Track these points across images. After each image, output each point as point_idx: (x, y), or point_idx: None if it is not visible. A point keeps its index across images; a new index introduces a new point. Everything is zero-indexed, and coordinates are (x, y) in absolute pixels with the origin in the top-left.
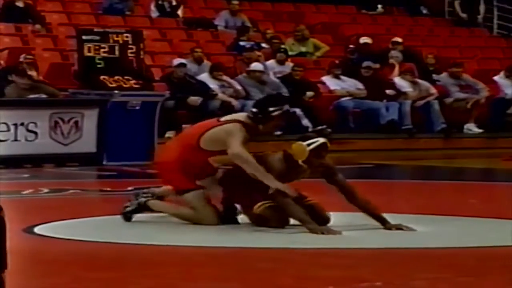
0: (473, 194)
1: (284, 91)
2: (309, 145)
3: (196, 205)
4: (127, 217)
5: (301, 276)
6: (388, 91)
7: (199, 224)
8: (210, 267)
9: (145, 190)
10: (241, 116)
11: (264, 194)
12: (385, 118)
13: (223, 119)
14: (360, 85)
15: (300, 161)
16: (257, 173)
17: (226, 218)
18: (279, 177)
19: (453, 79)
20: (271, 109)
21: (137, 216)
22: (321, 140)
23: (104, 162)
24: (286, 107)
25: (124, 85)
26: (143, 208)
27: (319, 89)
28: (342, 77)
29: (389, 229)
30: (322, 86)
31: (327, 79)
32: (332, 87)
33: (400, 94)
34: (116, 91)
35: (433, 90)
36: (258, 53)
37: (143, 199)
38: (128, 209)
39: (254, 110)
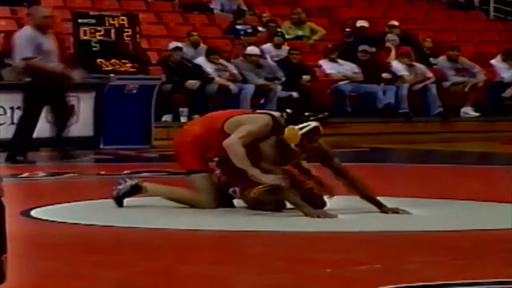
0: (471, 177)
1: (281, 75)
2: (301, 129)
3: (202, 187)
4: (120, 200)
5: (297, 259)
6: (384, 75)
7: (196, 207)
8: (207, 250)
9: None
10: (275, 113)
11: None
12: (382, 102)
13: (259, 111)
14: (357, 69)
15: (292, 145)
16: (246, 168)
17: (222, 201)
18: (271, 162)
19: (450, 62)
20: (306, 114)
21: (131, 200)
22: (313, 123)
23: (101, 146)
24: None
25: (120, 69)
26: (135, 190)
27: (316, 73)
28: (339, 60)
29: (386, 212)
30: (318, 70)
31: (324, 63)
32: (328, 71)
33: (397, 78)
34: (112, 75)
35: (430, 74)
36: (253, 38)
37: (134, 181)
38: (120, 192)
39: (289, 110)
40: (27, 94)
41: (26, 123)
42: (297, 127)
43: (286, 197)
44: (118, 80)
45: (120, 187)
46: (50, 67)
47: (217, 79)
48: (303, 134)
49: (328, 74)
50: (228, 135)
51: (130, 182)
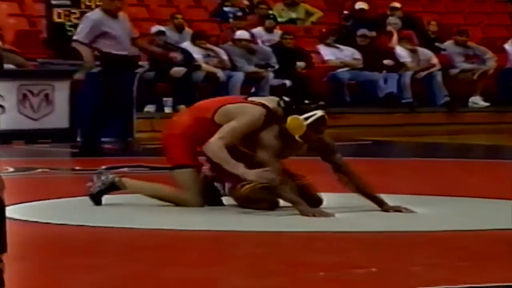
0: (479, 173)
1: (274, 61)
2: (306, 119)
3: (187, 184)
4: (97, 198)
5: (291, 261)
6: (385, 61)
7: (181, 205)
8: (194, 252)
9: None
10: (271, 101)
11: None
12: (384, 90)
13: (251, 98)
14: (358, 55)
15: (297, 137)
16: (231, 169)
17: (210, 199)
18: (271, 153)
19: (459, 47)
20: (307, 101)
21: (109, 198)
22: (319, 113)
23: (78, 139)
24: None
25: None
26: (112, 187)
27: (312, 59)
28: (339, 46)
29: (387, 211)
30: (314, 56)
31: (322, 48)
32: (326, 57)
33: (400, 65)
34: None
35: (435, 60)
36: (243, 22)
37: (110, 177)
38: (96, 189)
39: (286, 98)
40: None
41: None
42: (301, 117)
43: (280, 192)
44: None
45: (96, 184)
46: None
47: (204, 66)
48: (308, 125)
49: (326, 60)
50: (219, 125)
51: (106, 178)
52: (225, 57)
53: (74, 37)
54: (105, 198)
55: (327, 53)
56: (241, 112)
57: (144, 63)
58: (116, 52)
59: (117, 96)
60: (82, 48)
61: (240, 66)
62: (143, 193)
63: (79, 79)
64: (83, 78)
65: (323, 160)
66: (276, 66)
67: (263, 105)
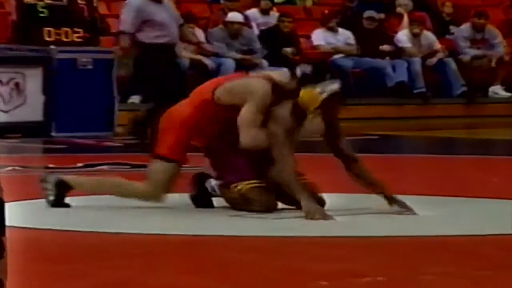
0: (499, 171)
1: (258, 48)
2: (321, 92)
3: (160, 176)
4: (58, 204)
5: (287, 269)
6: (383, 47)
7: (139, 198)
8: (180, 258)
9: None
10: (276, 74)
11: (257, 171)
12: (393, 79)
13: (252, 73)
14: (351, 40)
15: (311, 109)
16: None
17: (199, 199)
18: (283, 129)
19: (475, 32)
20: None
21: (81, 199)
22: (335, 86)
23: (53, 133)
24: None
25: (66, 39)
26: (64, 187)
27: (300, 44)
28: (339, 29)
29: (391, 202)
30: (308, 41)
31: (316, 33)
32: (316, 42)
33: (398, 50)
34: (52, 47)
35: (438, 46)
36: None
37: (54, 179)
38: (52, 197)
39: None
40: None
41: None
42: (316, 89)
43: (292, 190)
44: (65, 53)
45: (47, 192)
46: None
47: (182, 53)
48: (324, 100)
49: (316, 46)
50: (222, 106)
51: (53, 181)
52: (202, 39)
53: (121, 29)
54: (76, 200)
55: (318, 38)
56: (247, 90)
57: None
58: (163, 42)
59: (170, 87)
60: (124, 39)
61: (220, 52)
62: (88, 190)
63: (124, 75)
64: (129, 74)
65: (327, 145)
66: (261, 53)
67: (267, 78)
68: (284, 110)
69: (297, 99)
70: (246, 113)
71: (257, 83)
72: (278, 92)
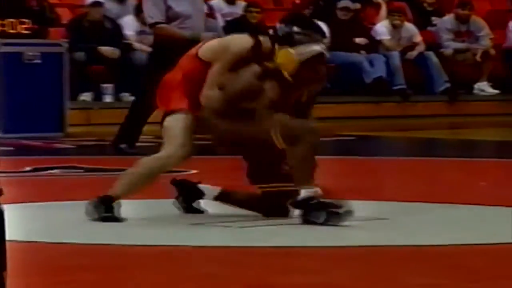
0: (485, 174)
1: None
2: (299, 54)
3: (176, 131)
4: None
5: (256, 283)
6: (357, 40)
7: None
8: (137, 270)
9: None
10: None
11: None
12: (370, 75)
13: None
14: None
15: (285, 74)
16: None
17: (188, 205)
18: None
19: (458, 23)
20: (295, 29)
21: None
22: (317, 48)
23: (0, 134)
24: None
25: (9, 31)
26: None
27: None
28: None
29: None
30: None
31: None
32: None
33: (374, 43)
34: None
35: (419, 38)
36: None
37: None
38: None
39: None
40: (147, 69)
41: (140, 105)
42: (293, 50)
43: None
44: (7, 46)
45: None
46: (180, 34)
47: (137, 45)
48: (303, 62)
49: None
50: (206, 62)
51: None
52: None
53: (150, 22)
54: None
55: None
56: (223, 47)
57: (62, 41)
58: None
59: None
60: (166, 29)
61: None
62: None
63: None
64: None
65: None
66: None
67: (253, 36)
68: (245, 75)
69: (273, 61)
70: (211, 72)
71: (238, 39)
72: (257, 51)
